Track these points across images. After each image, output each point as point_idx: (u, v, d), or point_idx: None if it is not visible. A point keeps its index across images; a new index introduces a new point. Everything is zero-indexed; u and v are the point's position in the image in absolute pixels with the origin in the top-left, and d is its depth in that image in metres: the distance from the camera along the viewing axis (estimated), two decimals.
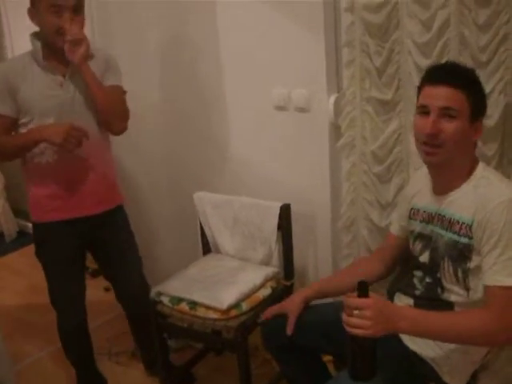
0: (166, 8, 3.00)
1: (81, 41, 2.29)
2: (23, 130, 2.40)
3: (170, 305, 2.54)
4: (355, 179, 2.54)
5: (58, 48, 2.33)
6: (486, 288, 1.67)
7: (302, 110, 2.61)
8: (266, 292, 2.57)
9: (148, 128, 2.94)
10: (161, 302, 2.58)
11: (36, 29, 2.39)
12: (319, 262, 2.82)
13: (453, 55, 2.12)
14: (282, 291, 2.66)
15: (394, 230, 2.17)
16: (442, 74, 1.79)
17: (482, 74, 2.08)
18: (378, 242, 2.56)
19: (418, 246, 1.99)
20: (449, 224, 1.84)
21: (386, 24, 2.27)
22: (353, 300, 1.61)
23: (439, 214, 1.88)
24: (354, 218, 2.62)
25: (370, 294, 1.61)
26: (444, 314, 1.74)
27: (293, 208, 2.63)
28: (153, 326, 2.66)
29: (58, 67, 2.41)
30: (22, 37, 4.34)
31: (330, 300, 2.73)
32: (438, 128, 1.75)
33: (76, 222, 2.57)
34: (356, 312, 1.59)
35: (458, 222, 1.78)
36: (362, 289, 1.60)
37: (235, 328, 2.38)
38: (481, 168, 1.81)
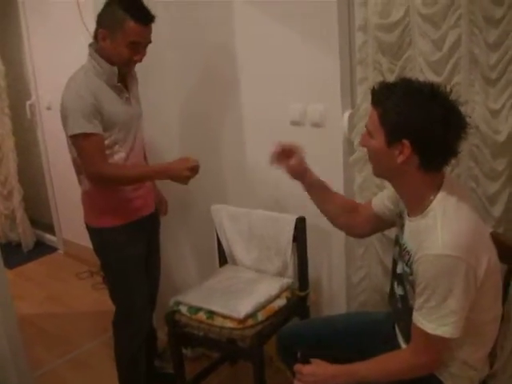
0: (184, 24, 3.08)
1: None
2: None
3: (187, 314, 2.59)
4: (367, 193, 2.59)
5: (122, 71, 2.50)
6: (412, 324, 1.73)
7: (317, 125, 2.66)
8: (281, 302, 2.62)
9: (165, 142, 3.00)
10: (179, 311, 2.63)
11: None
12: (333, 273, 2.86)
13: (463, 73, 2.17)
14: (296, 302, 2.71)
15: (375, 201, 2.14)
16: (373, 93, 1.78)
17: (491, 92, 2.15)
18: (389, 254, 2.61)
19: (396, 251, 1.98)
20: (401, 251, 1.88)
21: (399, 43, 2.32)
22: (296, 366, 1.93)
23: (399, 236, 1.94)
24: None
25: (313, 360, 1.93)
26: (372, 362, 1.83)
27: (308, 221, 2.68)
28: (170, 336, 2.72)
29: (122, 86, 2.53)
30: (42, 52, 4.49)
31: (343, 310, 2.81)
32: (363, 143, 1.85)
33: (142, 222, 2.69)
34: (299, 377, 1.91)
35: (408, 253, 1.80)
36: (303, 358, 2.00)
37: (251, 337, 2.43)
38: (437, 203, 1.72)
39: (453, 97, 1.67)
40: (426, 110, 1.63)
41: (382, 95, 1.72)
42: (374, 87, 1.77)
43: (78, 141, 2.41)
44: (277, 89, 2.80)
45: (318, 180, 2.20)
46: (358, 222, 2.19)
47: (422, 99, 1.65)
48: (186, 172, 2.42)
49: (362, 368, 1.84)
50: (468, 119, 1.69)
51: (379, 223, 2.16)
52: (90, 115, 2.37)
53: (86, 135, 2.38)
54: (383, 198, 2.10)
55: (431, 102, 1.64)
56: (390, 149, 1.71)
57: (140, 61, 2.50)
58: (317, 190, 2.21)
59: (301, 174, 2.18)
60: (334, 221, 2.24)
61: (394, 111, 1.68)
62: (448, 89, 1.69)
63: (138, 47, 2.45)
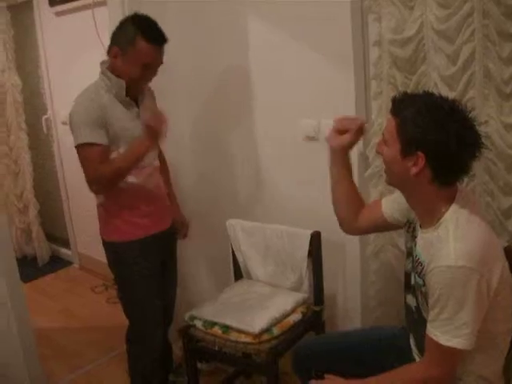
0: (197, 40, 3.11)
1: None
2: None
3: (203, 328, 2.60)
4: None
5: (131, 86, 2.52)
6: (426, 336, 1.72)
7: None
8: (296, 317, 2.62)
9: (181, 157, 3.02)
10: (194, 325, 2.64)
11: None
12: (348, 288, 2.87)
13: (478, 87, 2.17)
14: (311, 317, 2.71)
15: (386, 204, 2.10)
16: (393, 102, 1.79)
17: (505, 106, 2.15)
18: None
19: (409, 263, 1.97)
20: (414, 263, 1.87)
21: (413, 58, 2.34)
22: (310, 382, 1.93)
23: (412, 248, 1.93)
24: (382, 245, 2.67)
25: (327, 376, 1.93)
26: (385, 376, 1.81)
27: (323, 235, 2.68)
28: (185, 350, 2.73)
29: (131, 101, 2.56)
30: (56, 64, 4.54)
31: (358, 325, 2.81)
32: (378, 150, 1.85)
33: (157, 237, 2.69)
34: None
35: (421, 264, 1.80)
36: (318, 374, 2.05)
37: (266, 352, 2.43)
38: (449, 215, 1.72)
39: (471, 115, 1.67)
40: (443, 124, 1.64)
41: (402, 105, 1.73)
42: (395, 96, 1.79)
43: (81, 150, 2.44)
44: (291, 104, 2.82)
45: (348, 162, 2.14)
46: (359, 218, 2.15)
47: (440, 114, 1.65)
48: (163, 127, 2.44)
49: (376, 382, 1.83)
50: (484, 139, 1.69)
51: (382, 224, 2.14)
52: (94, 125, 2.40)
53: (88, 145, 2.41)
54: (393, 201, 2.08)
55: (449, 118, 1.64)
56: (404, 159, 1.71)
57: (150, 81, 2.55)
58: (341, 168, 2.13)
59: (340, 151, 2.10)
60: (337, 206, 2.18)
61: (412, 122, 1.68)
62: (468, 107, 1.69)
63: (150, 68, 2.49)
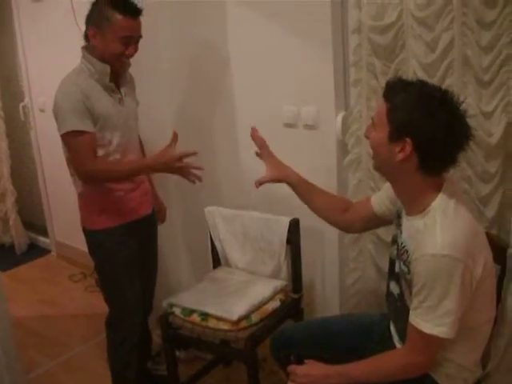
0: (178, 26, 3.08)
1: None
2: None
3: (181, 316, 2.59)
4: (361, 195, 2.60)
5: (114, 69, 2.50)
6: (409, 324, 1.74)
7: (310, 127, 2.67)
8: (275, 304, 2.61)
9: (161, 144, 2.98)
10: (173, 313, 2.63)
11: None
12: (326, 275, 2.87)
13: (456, 75, 2.18)
14: (290, 304, 2.70)
15: (375, 200, 2.15)
16: (387, 86, 1.81)
17: (484, 94, 2.16)
18: (383, 256, 2.61)
19: (393, 250, 1.99)
20: (399, 250, 1.89)
21: (392, 45, 2.33)
22: (290, 367, 1.94)
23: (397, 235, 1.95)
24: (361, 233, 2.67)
25: (307, 361, 1.93)
26: (366, 361, 1.83)
27: (301, 223, 2.67)
28: (164, 338, 2.71)
29: (115, 86, 2.54)
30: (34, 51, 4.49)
31: (336, 312, 2.81)
32: (366, 134, 1.88)
33: (137, 223, 2.69)
34: (293, 377, 1.91)
35: (406, 252, 1.81)
36: (297, 359, 2.09)
37: (245, 339, 2.43)
38: (436, 203, 1.73)
39: (462, 107, 1.69)
40: (433, 113, 1.65)
41: (395, 90, 1.75)
42: (389, 80, 1.81)
43: (68, 139, 2.41)
44: (270, 91, 2.81)
45: (304, 180, 2.24)
46: (351, 220, 2.21)
47: (432, 103, 1.67)
48: (177, 163, 2.45)
49: (356, 368, 1.84)
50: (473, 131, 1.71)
51: (375, 221, 2.17)
52: (81, 113, 2.38)
53: (76, 133, 2.38)
54: (383, 196, 2.10)
55: (440, 108, 1.66)
56: (392, 144, 1.72)
57: (131, 56, 2.50)
58: (304, 189, 2.23)
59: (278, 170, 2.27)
60: (325, 218, 2.26)
61: (403, 108, 1.70)
62: (459, 99, 1.71)
63: (129, 42, 2.45)
